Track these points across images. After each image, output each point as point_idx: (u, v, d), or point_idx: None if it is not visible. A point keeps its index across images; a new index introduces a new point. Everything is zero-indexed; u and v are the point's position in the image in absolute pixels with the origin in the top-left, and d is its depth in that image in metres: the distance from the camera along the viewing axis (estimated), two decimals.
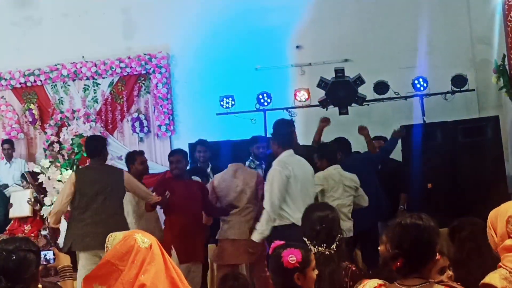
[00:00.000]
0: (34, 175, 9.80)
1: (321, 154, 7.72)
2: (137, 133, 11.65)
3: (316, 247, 4.53)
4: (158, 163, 11.32)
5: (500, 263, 3.64)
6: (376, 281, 3.52)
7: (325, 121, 8.90)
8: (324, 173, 7.56)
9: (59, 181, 9.41)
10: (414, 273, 3.39)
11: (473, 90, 10.34)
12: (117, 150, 11.33)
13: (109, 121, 11.71)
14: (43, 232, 9.83)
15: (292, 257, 3.90)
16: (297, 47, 11.49)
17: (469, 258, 4.54)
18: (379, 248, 4.94)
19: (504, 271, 3.55)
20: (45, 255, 4.12)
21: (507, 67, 8.77)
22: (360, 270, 4.61)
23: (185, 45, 11.60)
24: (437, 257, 3.51)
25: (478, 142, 9.33)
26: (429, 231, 3.43)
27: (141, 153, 8.80)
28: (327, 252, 4.53)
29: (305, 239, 4.59)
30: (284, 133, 6.98)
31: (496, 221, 3.73)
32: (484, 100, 10.80)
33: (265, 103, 10.32)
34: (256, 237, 6.70)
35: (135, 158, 8.49)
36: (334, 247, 4.55)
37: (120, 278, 3.30)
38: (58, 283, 4.11)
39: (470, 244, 4.59)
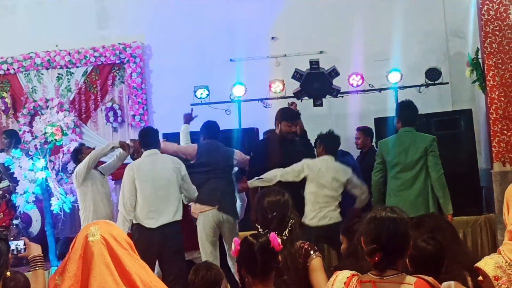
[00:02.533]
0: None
1: (320, 142, 7.96)
2: (111, 123, 11.58)
3: (267, 231, 4.41)
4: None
5: (500, 247, 3.60)
6: (348, 272, 3.53)
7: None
8: (310, 161, 7.77)
9: (31, 170, 9.36)
10: (392, 266, 3.40)
11: (447, 83, 10.39)
12: (90, 140, 11.28)
13: (83, 111, 11.63)
14: (15, 222, 9.78)
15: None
16: (272, 38, 11.48)
17: None
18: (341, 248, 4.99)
19: (501, 259, 3.48)
20: (17, 245, 4.09)
21: (480, 60, 8.82)
22: (313, 246, 4.62)
23: (159, 35, 11.55)
24: None
25: (451, 135, 9.38)
26: (404, 223, 3.44)
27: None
28: (283, 238, 4.44)
29: (258, 226, 4.60)
30: (143, 135, 7.92)
31: (510, 199, 3.65)
32: (458, 93, 10.86)
33: (240, 94, 10.30)
34: None
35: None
36: (287, 233, 4.55)
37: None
38: (29, 272, 4.09)
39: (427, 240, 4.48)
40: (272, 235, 3.97)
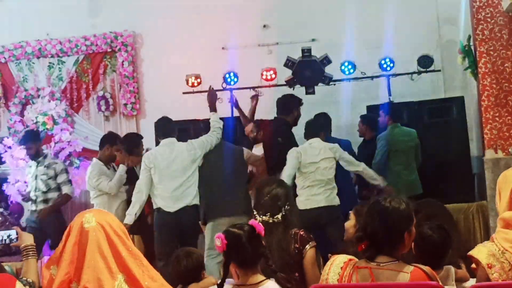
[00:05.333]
0: None
1: (306, 127, 8.21)
2: (103, 112, 11.55)
3: (261, 216, 4.77)
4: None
5: (493, 235, 3.60)
6: (345, 257, 3.54)
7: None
8: (298, 148, 7.99)
9: (22, 159, 9.34)
10: (380, 254, 3.40)
11: (439, 70, 10.38)
12: (82, 129, 11.26)
13: (74, 100, 11.57)
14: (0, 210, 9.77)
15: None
16: (264, 26, 11.46)
17: None
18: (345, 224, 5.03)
19: (494, 247, 3.50)
20: (9, 234, 4.08)
21: (472, 47, 8.81)
22: (308, 234, 4.74)
23: (151, 23, 11.51)
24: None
25: (443, 122, 9.40)
26: (395, 215, 3.44)
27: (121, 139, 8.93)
28: (270, 221, 4.73)
29: (254, 211, 4.84)
30: (161, 125, 8.20)
31: (503, 186, 3.66)
32: (450, 81, 10.86)
33: (232, 83, 10.26)
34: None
35: (115, 142, 8.76)
36: (279, 217, 4.75)
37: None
38: (21, 261, 4.08)
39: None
40: (252, 222, 4.00)
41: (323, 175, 7.85)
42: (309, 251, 4.70)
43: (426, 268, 3.42)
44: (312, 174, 7.85)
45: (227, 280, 3.94)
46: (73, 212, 8.68)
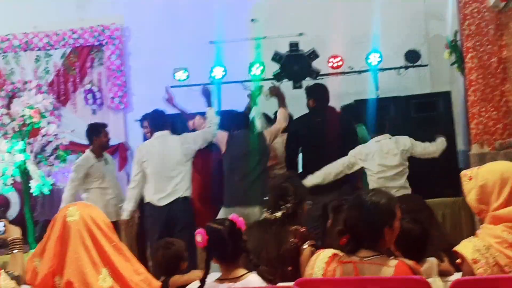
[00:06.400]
0: None
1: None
2: (90, 105, 11.52)
3: (265, 213, 4.92)
4: (111, 136, 11.22)
5: (477, 231, 3.61)
6: (330, 251, 3.56)
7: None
8: (361, 148, 7.78)
9: (8, 152, 9.30)
10: (362, 248, 3.42)
11: (426, 65, 10.41)
12: (69, 122, 11.22)
13: (62, 93, 11.55)
14: None
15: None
16: (252, 20, 11.45)
17: None
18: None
19: (479, 243, 3.51)
20: None
21: (459, 43, 8.84)
22: (309, 232, 4.81)
23: (139, 17, 11.48)
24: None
25: (430, 117, 9.43)
26: (374, 210, 3.46)
27: (105, 125, 8.91)
28: (272, 218, 4.83)
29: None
30: (154, 118, 8.22)
31: (496, 182, 3.64)
32: (437, 76, 10.89)
33: (220, 76, 10.26)
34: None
35: (100, 131, 8.69)
36: (279, 214, 4.83)
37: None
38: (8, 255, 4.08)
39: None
40: (233, 216, 4.03)
41: None
42: (306, 249, 4.74)
43: (410, 262, 3.44)
44: None
45: (211, 273, 3.96)
46: (59, 206, 8.66)
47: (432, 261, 4.13)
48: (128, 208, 7.94)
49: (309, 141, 8.15)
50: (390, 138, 7.81)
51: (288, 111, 8.54)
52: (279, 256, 4.68)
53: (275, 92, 8.58)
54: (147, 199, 7.93)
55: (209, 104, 8.40)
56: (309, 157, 8.22)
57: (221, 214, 7.78)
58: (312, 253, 4.58)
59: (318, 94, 8.50)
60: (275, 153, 8.71)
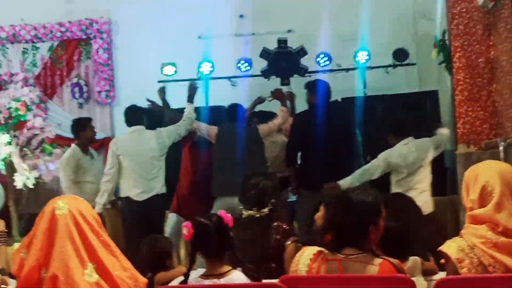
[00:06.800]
0: None
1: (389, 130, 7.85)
2: (77, 99, 11.48)
3: (247, 211, 4.85)
4: (97, 130, 11.19)
5: (462, 231, 3.62)
6: (314, 249, 3.55)
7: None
8: (390, 152, 7.63)
9: None
10: (347, 246, 3.42)
11: (414, 64, 10.44)
12: (56, 116, 11.19)
13: (48, 86, 11.51)
14: None
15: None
16: (241, 16, 11.44)
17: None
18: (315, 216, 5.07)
19: (463, 243, 3.52)
20: None
21: (447, 42, 8.86)
22: (291, 228, 4.83)
23: (127, 11, 11.44)
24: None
25: (417, 116, 9.45)
26: (360, 207, 3.46)
27: (90, 119, 8.90)
28: (257, 215, 4.81)
29: (241, 205, 4.92)
30: (129, 112, 8.13)
31: (473, 182, 3.66)
32: (424, 75, 10.92)
33: (207, 72, 10.26)
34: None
35: (85, 125, 8.69)
36: (266, 210, 4.81)
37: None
38: None
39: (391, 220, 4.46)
40: (222, 213, 4.02)
41: None
42: (290, 246, 4.77)
43: (395, 261, 3.44)
44: None
45: (193, 272, 3.95)
46: (45, 200, 8.63)
47: (415, 260, 4.13)
48: (101, 201, 7.90)
49: (310, 137, 8.12)
50: (414, 139, 7.78)
51: (288, 111, 8.48)
52: (264, 252, 4.69)
53: (278, 95, 8.51)
54: (125, 193, 7.93)
55: (191, 100, 8.35)
56: (309, 153, 8.19)
57: (215, 206, 7.78)
58: (296, 249, 4.61)
59: (317, 90, 8.46)
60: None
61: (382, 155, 7.63)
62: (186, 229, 3.93)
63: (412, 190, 7.42)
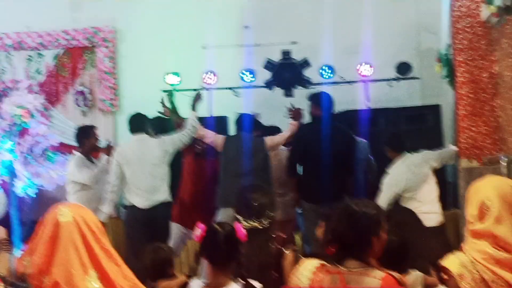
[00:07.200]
0: None
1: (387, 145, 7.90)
2: (81, 107, 11.49)
3: (248, 221, 4.75)
4: (100, 138, 11.21)
5: (462, 245, 3.62)
6: (316, 261, 3.56)
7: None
8: (391, 177, 7.65)
9: None
10: (350, 258, 3.42)
11: (418, 78, 10.45)
12: (59, 124, 11.20)
13: (53, 94, 11.51)
14: None
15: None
16: (245, 27, 11.46)
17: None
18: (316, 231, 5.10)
19: (465, 258, 3.51)
20: None
21: (450, 56, 8.87)
22: (290, 237, 4.86)
23: (132, 20, 11.46)
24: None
25: (419, 130, 9.46)
26: (365, 219, 3.46)
27: (94, 127, 8.94)
28: (260, 227, 4.78)
29: (239, 216, 4.81)
30: (133, 121, 8.19)
31: (473, 197, 3.67)
32: (427, 89, 10.93)
33: (211, 82, 10.28)
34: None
35: (89, 132, 8.74)
36: (267, 223, 4.81)
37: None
38: None
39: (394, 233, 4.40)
40: (237, 225, 4.01)
41: None
42: (290, 255, 4.78)
43: (397, 275, 3.45)
44: None
45: (194, 281, 3.95)
46: (48, 207, 8.65)
47: (417, 274, 4.14)
48: (105, 210, 7.95)
49: (313, 150, 8.11)
50: (413, 154, 7.77)
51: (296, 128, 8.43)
52: (266, 262, 4.71)
53: (295, 114, 8.43)
54: (129, 202, 7.98)
55: (194, 108, 8.36)
56: (312, 166, 8.17)
57: (218, 215, 7.79)
58: (296, 258, 4.65)
59: (322, 102, 8.47)
60: None
61: (385, 182, 7.64)
62: (199, 230, 3.95)
63: (419, 202, 7.42)
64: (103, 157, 8.59)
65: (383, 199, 7.51)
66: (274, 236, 4.88)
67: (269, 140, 8.24)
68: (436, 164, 7.77)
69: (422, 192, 7.55)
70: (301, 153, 8.15)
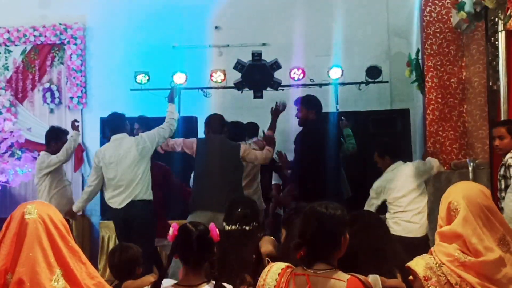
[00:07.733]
0: None
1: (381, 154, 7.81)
2: (48, 104, 11.39)
3: (231, 225, 5.07)
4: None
5: (432, 248, 3.64)
6: (283, 264, 3.55)
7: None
8: (380, 183, 7.67)
9: None
10: (318, 261, 3.42)
11: (387, 82, 10.50)
12: (26, 120, 11.10)
13: (20, 90, 11.40)
14: None
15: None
16: (216, 27, 11.45)
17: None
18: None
19: (432, 260, 3.53)
20: None
21: (420, 61, 8.94)
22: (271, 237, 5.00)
23: (102, 18, 11.39)
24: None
25: (388, 134, 9.50)
26: (333, 220, 3.46)
27: (67, 133, 8.86)
28: (246, 228, 5.08)
29: (224, 223, 5.12)
30: (110, 121, 8.15)
31: (442, 201, 3.67)
32: (397, 93, 11.00)
33: (180, 82, 10.23)
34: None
35: (60, 138, 8.74)
36: (250, 227, 5.08)
37: None
38: None
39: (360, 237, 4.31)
40: (212, 225, 4.00)
41: None
42: (264, 238, 4.99)
43: (362, 277, 3.45)
44: None
45: (164, 280, 3.92)
46: (13, 204, 8.57)
47: (375, 278, 4.14)
48: (78, 203, 8.11)
49: (317, 153, 8.16)
50: (403, 163, 7.77)
51: (272, 153, 8.32)
52: (243, 263, 4.75)
53: (268, 141, 8.22)
54: (108, 203, 7.96)
55: (172, 100, 8.27)
56: (314, 167, 8.17)
57: (188, 220, 7.69)
58: (270, 241, 4.69)
59: (317, 107, 8.49)
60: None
61: (373, 187, 7.68)
62: (172, 229, 3.93)
63: (407, 212, 7.46)
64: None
65: (372, 205, 7.60)
66: (260, 236, 5.03)
67: (245, 150, 8.02)
68: (427, 175, 7.76)
69: (408, 201, 7.54)
70: (312, 157, 8.21)
